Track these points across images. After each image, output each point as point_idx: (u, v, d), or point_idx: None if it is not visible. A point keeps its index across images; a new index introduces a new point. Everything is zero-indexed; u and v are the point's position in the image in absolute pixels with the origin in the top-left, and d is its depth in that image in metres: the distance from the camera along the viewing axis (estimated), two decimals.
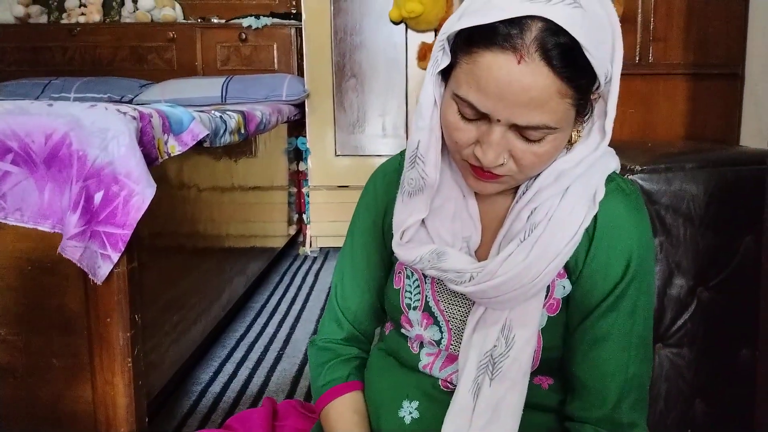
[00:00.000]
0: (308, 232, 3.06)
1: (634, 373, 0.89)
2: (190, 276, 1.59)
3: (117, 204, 1.09)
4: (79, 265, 1.08)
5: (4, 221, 1.11)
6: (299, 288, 2.52)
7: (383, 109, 2.91)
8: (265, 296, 2.40)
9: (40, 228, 1.11)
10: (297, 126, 2.99)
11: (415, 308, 0.97)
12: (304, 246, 3.09)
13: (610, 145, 0.91)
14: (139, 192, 1.10)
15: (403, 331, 1.00)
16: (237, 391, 1.63)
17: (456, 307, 0.95)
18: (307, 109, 2.91)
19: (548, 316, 0.90)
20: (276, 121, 2.45)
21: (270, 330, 2.06)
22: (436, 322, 0.96)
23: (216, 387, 1.64)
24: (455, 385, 0.92)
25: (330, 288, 1.10)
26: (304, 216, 3.08)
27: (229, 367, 1.76)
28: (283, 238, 2.83)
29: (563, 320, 0.90)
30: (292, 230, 3.00)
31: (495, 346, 0.89)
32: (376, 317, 1.08)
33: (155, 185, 1.12)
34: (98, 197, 1.08)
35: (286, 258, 2.96)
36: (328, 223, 2.95)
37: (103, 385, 1.16)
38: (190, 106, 2.32)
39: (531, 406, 0.91)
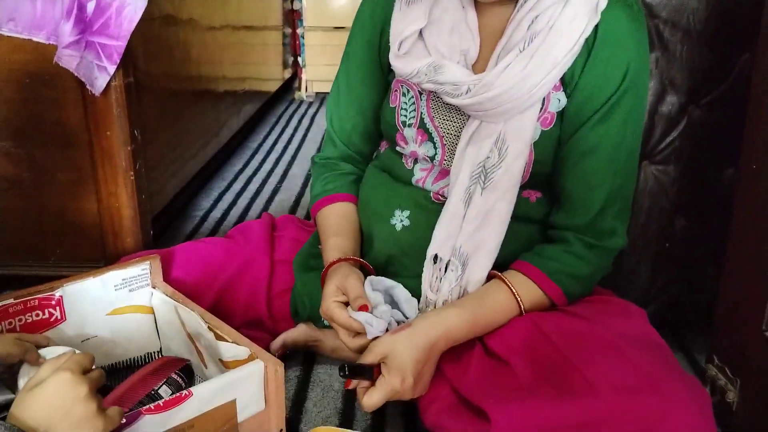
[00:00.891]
0: (304, 76, 3.01)
1: (621, 184, 0.92)
2: (185, 110, 1.59)
3: (110, 14, 1.06)
4: (76, 74, 1.08)
5: None
6: (295, 130, 2.53)
7: None
8: (261, 137, 2.42)
9: (35, 39, 1.10)
10: None
11: (410, 125, 0.99)
12: (299, 90, 3.05)
13: None
14: (131, 2, 1.07)
15: (398, 148, 1.03)
16: (237, 216, 1.69)
17: (451, 123, 0.96)
18: None
19: (542, 130, 0.92)
20: None
21: (267, 166, 2.09)
22: (431, 139, 0.98)
23: (217, 213, 1.70)
24: (446, 198, 0.96)
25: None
26: (299, 59, 3.01)
27: (228, 197, 1.81)
28: (277, 82, 2.79)
29: (556, 134, 0.93)
30: (287, 74, 2.95)
31: (488, 157, 0.92)
32: (370, 138, 1.10)
33: None
34: (90, 7, 1.06)
35: (281, 102, 2.94)
36: (324, 66, 2.90)
37: (108, 197, 1.20)
38: None
39: (519, 217, 0.96)
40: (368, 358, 0.85)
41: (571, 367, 0.80)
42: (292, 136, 2.44)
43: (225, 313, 1.05)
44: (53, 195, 1.22)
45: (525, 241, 0.98)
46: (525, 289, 0.92)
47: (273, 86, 2.72)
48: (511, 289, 0.91)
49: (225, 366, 0.88)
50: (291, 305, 1.07)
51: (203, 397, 0.78)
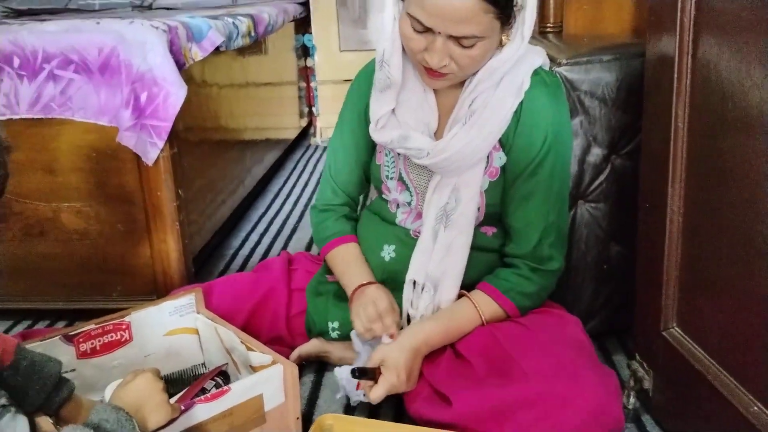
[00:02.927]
0: (318, 124, 3.33)
1: (553, 221, 1.19)
2: (217, 164, 1.89)
3: (158, 102, 1.38)
4: (134, 150, 1.39)
5: (72, 118, 1.40)
6: (311, 174, 2.83)
7: (383, 5, 3.07)
8: (281, 181, 2.72)
9: (99, 123, 1.41)
10: (303, 23, 3.19)
11: (392, 178, 1.27)
12: (314, 137, 3.37)
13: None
14: (174, 92, 1.38)
15: (384, 196, 1.31)
16: (261, 253, 1.98)
17: (421, 177, 1.24)
18: (311, 6, 3.10)
19: (489, 181, 1.20)
20: (282, 21, 2.65)
21: (287, 208, 2.39)
22: (407, 189, 1.26)
23: (245, 251, 2.00)
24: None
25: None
26: (314, 108, 3.34)
27: (254, 237, 2.11)
28: (295, 130, 3.10)
29: (501, 184, 1.20)
30: (304, 122, 3.27)
31: (447, 202, 1.19)
32: (361, 186, 1.38)
33: (186, 86, 1.40)
34: (143, 97, 1.37)
35: (299, 148, 3.25)
36: (335, 114, 3.17)
37: (158, 244, 1.50)
38: (204, 9, 2.54)
39: (479, 248, 1.23)
40: (370, 363, 1.12)
41: (513, 361, 1.06)
42: (309, 179, 2.74)
43: (253, 332, 1.32)
44: (114, 243, 1.52)
45: (486, 267, 1.25)
46: (486, 305, 1.18)
47: (291, 134, 3.04)
48: (475, 306, 1.18)
49: (254, 370, 1.16)
50: (305, 324, 1.35)
51: (239, 392, 1.05)
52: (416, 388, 1.15)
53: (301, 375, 1.32)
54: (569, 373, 1.01)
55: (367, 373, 1.10)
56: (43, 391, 0.92)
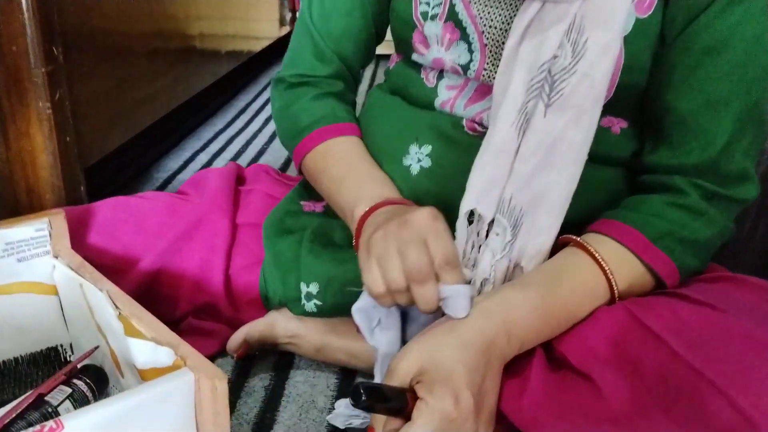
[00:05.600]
0: None
1: (757, 101, 0.60)
2: (135, 36, 1.24)
3: None
4: None
5: None
6: None
7: None
8: (250, 97, 2.10)
9: None
10: None
11: (434, 17, 0.67)
12: None
13: None
14: None
15: (414, 57, 0.71)
16: None
17: (496, 10, 0.64)
18: None
19: (636, 17, 0.60)
20: None
21: (254, 126, 1.77)
22: (465, 37, 0.66)
23: (185, 175, 1.38)
24: (486, 128, 0.65)
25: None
26: (298, 14, 2.69)
27: (203, 158, 1.49)
28: (269, 40, 2.45)
29: (657, 27, 0.60)
30: (284, 31, 2.62)
31: (555, 56, 0.60)
32: (365, 49, 0.79)
33: None
34: None
35: (277, 61, 2.61)
36: None
37: (18, 139, 0.88)
38: None
39: (596, 156, 0.63)
40: (395, 379, 0.52)
41: (703, 384, 0.48)
42: None
43: (164, 295, 0.74)
44: None
45: (605, 193, 0.67)
46: (618, 262, 0.60)
47: (264, 44, 2.39)
48: (599, 262, 0.59)
49: (141, 377, 0.56)
50: (260, 285, 0.75)
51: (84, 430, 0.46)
52: None
53: (246, 376, 0.73)
54: None
55: (387, 399, 0.49)
56: None
